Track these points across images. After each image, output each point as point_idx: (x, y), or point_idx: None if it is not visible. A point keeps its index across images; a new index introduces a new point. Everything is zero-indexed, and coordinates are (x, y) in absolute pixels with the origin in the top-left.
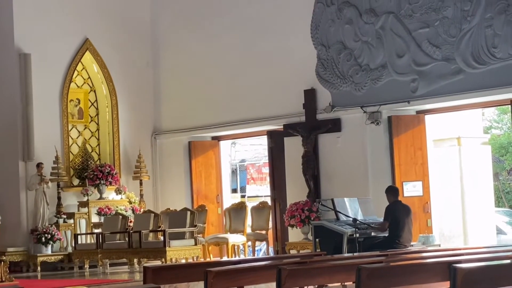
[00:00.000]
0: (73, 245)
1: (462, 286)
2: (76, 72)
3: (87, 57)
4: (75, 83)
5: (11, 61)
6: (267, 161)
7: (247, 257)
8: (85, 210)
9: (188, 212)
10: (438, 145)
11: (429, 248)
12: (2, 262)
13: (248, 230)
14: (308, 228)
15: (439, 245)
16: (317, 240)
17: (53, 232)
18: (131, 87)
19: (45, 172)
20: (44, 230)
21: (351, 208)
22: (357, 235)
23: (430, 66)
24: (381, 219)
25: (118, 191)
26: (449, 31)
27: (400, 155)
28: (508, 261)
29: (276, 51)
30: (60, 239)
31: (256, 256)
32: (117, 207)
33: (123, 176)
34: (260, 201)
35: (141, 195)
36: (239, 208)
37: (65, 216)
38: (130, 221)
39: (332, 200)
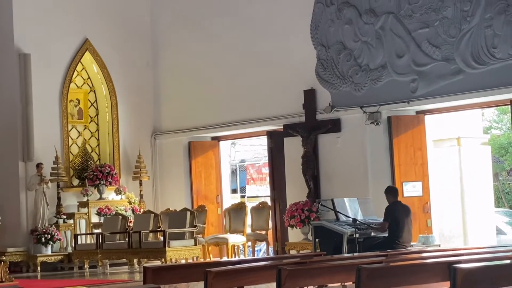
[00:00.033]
0: (73, 245)
1: (462, 286)
2: (76, 73)
3: (87, 57)
4: (75, 83)
5: (11, 61)
6: (267, 161)
7: (247, 258)
8: (85, 210)
9: (188, 213)
10: (438, 146)
11: (429, 248)
12: (2, 262)
13: (248, 230)
14: (308, 228)
15: (439, 245)
16: (317, 240)
17: (53, 233)
18: (131, 87)
19: (45, 173)
20: (44, 230)
21: (351, 209)
22: (357, 235)
23: (430, 66)
24: (381, 220)
25: (118, 192)
26: (449, 31)
27: (400, 155)
28: (508, 261)
29: (276, 51)
30: (60, 239)
31: (256, 257)
32: (117, 207)
33: (123, 177)
34: (260, 201)
35: (141, 196)
36: (239, 209)
37: (65, 217)
38: (130, 222)
39: (332, 200)
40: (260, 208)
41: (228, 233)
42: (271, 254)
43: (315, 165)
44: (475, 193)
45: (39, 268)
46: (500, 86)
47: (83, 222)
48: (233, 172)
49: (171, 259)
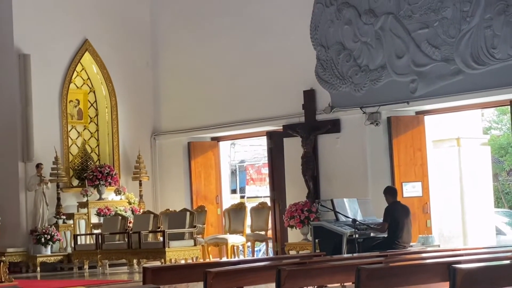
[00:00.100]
0: (73, 245)
1: (462, 287)
2: (75, 73)
3: (87, 57)
4: (75, 83)
5: (10, 62)
6: (267, 161)
7: (247, 258)
8: (84, 210)
9: (188, 213)
10: (437, 146)
11: (429, 249)
12: (2, 263)
13: (248, 230)
14: (308, 229)
15: (439, 246)
16: (316, 240)
17: (53, 233)
18: (130, 87)
19: (45, 173)
20: (44, 230)
21: (351, 209)
22: (357, 235)
23: (430, 67)
24: (381, 220)
25: (118, 192)
26: (449, 32)
27: (399, 155)
28: (508, 261)
29: (276, 52)
30: (59, 240)
31: (255, 257)
32: (116, 207)
33: (123, 177)
34: (259, 201)
35: (141, 196)
36: (238, 209)
37: (64, 217)
38: (130, 222)
39: (332, 200)
40: (259, 209)
41: (228, 233)
42: (271, 255)
43: (314, 165)
44: (475, 194)
45: (38, 269)
46: (499, 87)
47: (82, 223)
48: (233, 173)
49: (170, 260)
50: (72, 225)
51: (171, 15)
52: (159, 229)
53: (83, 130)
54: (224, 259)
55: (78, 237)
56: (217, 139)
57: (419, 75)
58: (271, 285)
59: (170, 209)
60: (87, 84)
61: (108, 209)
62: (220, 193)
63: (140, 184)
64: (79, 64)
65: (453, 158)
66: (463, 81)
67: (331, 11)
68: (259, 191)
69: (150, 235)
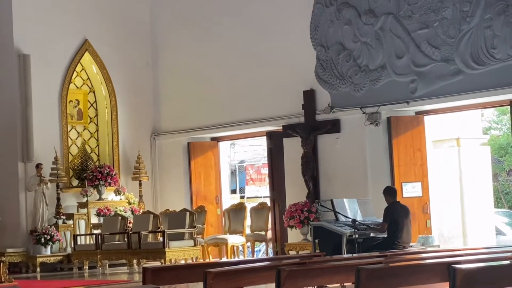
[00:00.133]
0: (73, 246)
1: (462, 287)
2: (75, 73)
3: (86, 58)
4: (75, 84)
5: (10, 62)
6: (266, 162)
7: (246, 258)
8: (84, 211)
9: (187, 213)
10: (437, 146)
11: (429, 249)
12: (2, 263)
13: (247, 231)
14: (308, 229)
15: (439, 246)
16: (316, 241)
17: (53, 233)
18: (130, 87)
19: (45, 173)
20: (44, 231)
21: (350, 209)
22: (356, 236)
23: (429, 67)
24: (380, 220)
25: (117, 192)
26: (448, 32)
27: (399, 156)
28: (507, 262)
29: (276, 52)
30: (59, 240)
31: (255, 257)
32: (116, 208)
33: (122, 177)
34: (259, 202)
35: (140, 196)
36: (238, 209)
37: (64, 217)
38: (130, 222)
39: (331, 201)
40: (259, 209)
41: (228, 233)
42: (271, 255)
43: (314, 165)
44: (475, 194)
45: (38, 269)
46: (499, 87)
47: (82, 223)
48: (233, 173)
49: (170, 260)
50: (72, 225)
51: (171, 15)
52: (159, 229)
53: (83, 130)
54: (224, 259)
55: (78, 237)
56: (217, 139)
57: (419, 75)
58: (271, 285)
59: (170, 209)
60: (87, 84)
61: (108, 209)
62: (220, 193)
63: (140, 184)
64: (79, 64)
65: (453, 158)
66: (463, 81)
67: (331, 11)
68: (259, 191)
69: (150, 235)
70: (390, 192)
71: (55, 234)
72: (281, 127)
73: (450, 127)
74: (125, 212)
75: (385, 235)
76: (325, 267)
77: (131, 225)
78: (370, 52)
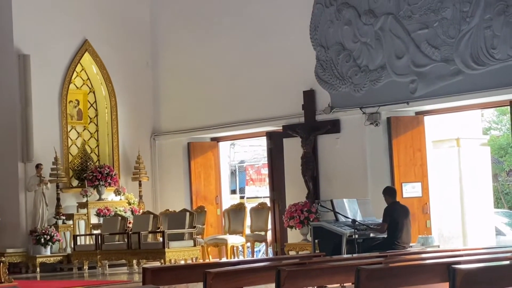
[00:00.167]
0: (72, 246)
1: (462, 287)
2: (75, 73)
3: (86, 58)
4: (74, 84)
5: (10, 62)
6: (266, 162)
7: (246, 258)
8: (84, 211)
9: (187, 213)
10: (437, 146)
11: (428, 249)
12: (1, 263)
13: (247, 231)
14: (307, 229)
15: (438, 246)
16: (316, 241)
17: (52, 233)
18: (130, 87)
19: (44, 173)
20: (43, 231)
21: (350, 209)
22: (356, 236)
23: (429, 67)
24: (380, 220)
25: (117, 192)
26: (448, 32)
27: (399, 156)
28: (507, 262)
29: (276, 52)
30: (59, 240)
31: (255, 257)
32: (116, 208)
33: (122, 177)
34: (259, 202)
35: (140, 196)
36: (238, 209)
37: (64, 217)
38: (129, 222)
39: (331, 201)
40: (259, 209)
41: (227, 234)
42: (270, 255)
43: (314, 166)
44: (475, 194)
45: (38, 269)
46: (499, 87)
47: (82, 223)
48: (233, 173)
49: (170, 260)
50: (72, 226)
51: (171, 15)
52: (158, 230)
53: (83, 130)
54: (224, 259)
55: (78, 237)
56: (216, 140)
57: (418, 76)
58: (270, 286)
59: (170, 210)
60: (86, 85)
61: (108, 210)
62: (220, 193)
63: (140, 185)
64: (79, 64)
65: (453, 159)
66: (463, 82)
67: (330, 12)
68: (259, 191)
69: (150, 235)
70: (390, 192)
71: (55, 235)
72: (281, 127)
73: (450, 128)
74: (125, 212)
75: (385, 236)
76: (325, 268)
77: (131, 225)
78: (370, 52)
